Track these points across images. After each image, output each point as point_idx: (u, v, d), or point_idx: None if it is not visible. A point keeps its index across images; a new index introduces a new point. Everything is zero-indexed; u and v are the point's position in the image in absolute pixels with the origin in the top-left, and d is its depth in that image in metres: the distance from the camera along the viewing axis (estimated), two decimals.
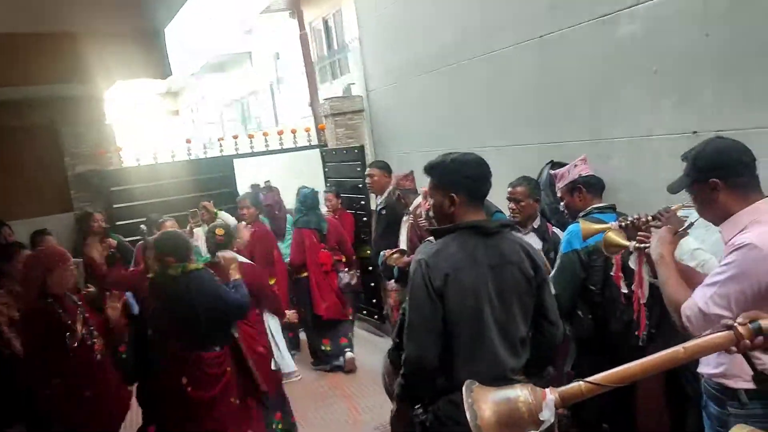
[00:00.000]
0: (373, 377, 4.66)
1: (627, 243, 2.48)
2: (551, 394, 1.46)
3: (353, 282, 6.04)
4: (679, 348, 1.40)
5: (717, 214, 2.10)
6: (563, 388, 1.48)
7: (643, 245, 2.38)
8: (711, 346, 1.43)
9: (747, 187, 2.03)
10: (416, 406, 2.39)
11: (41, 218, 6.61)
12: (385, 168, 5.66)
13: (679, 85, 3.25)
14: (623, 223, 2.67)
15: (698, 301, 1.99)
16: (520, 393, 1.49)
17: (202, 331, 3.30)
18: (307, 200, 5.91)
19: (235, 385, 3.49)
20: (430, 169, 2.33)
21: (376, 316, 6.94)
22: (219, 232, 4.17)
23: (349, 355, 5.92)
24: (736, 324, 1.40)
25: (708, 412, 2.22)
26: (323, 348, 5.91)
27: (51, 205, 7.03)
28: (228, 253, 3.86)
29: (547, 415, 1.45)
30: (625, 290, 3.04)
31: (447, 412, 2.21)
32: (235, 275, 3.58)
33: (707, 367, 2.18)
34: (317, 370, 5.96)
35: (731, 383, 2.00)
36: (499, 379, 2.21)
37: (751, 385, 1.81)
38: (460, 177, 2.25)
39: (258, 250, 5.36)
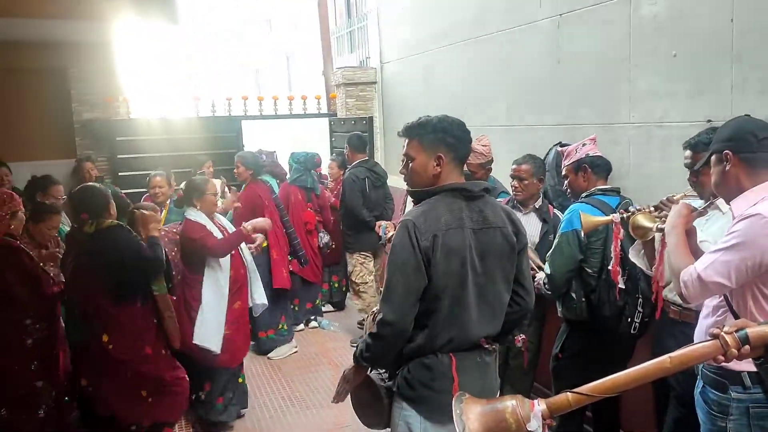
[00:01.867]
0: None
1: (652, 224, 2.44)
2: (539, 405, 1.49)
3: (332, 244, 6.25)
4: (665, 358, 1.42)
5: (729, 190, 2.05)
6: (550, 399, 1.52)
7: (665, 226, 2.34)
8: (698, 355, 1.44)
9: (760, 163, 1.98)
10: (381, 370, 2.36)
11: (44, 162, 6.59)
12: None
13: (697, 71, 3.16)
14: (624, 215, 2.63)
15: (698, 267, 1.95)
16: (509, 404, 1.52)
17: (115, 288, 3.25)
18: (306, 162, 5.99)
19: (154, 341, 3.45)
20: (416, 127, 2.24)
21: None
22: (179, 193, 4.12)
23: (312, 324, 6.15)
24: (722, 333, 1.41)
25: (705, 397, 2.15)
26: (292, 307, 5.96)
27: (55, 150, 7.02)
28: (147, 209, 3.71)
29: (535, 426, 1.47)
30: (621, 285, 3.00)
31: (418, 375, 2.16)
32: (153, 233, 3.47)
33: None
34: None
35: (734, 366, 1.94)
36: (473, 345, 2.20)
37: (753, 368, 1.77)
38: (448, 136, 2.19)
39: (245, 210, 5.27)
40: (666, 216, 2.35)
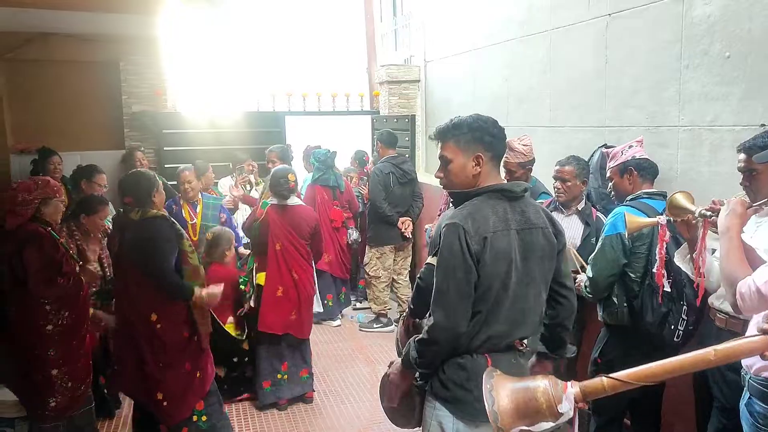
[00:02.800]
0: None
1: (693, 207, 2.37)
2: (572, 387, 1.45)
3: (360, 239, 6.44)
4: (710, 350, 1.35)
5: None
6: (585, 382, 1.47)
7: (709, 213, 2.27)
8: (744, 350, 1.38)
9: None
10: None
11: (94, 152, 6.80)
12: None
13: (751, 73, 3.06)
14: (671, 218, 2.56)
15: (757, 280, 1.84)
16: (540, 384, 1.49)
17: (157, 278, 3.28)
18: (327, 160, 6.06)
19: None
20: (451, 129, 2.20)
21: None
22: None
23: (335, 323, 6.27)
24: None
25: (752, 409, 2.08)
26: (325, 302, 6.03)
27: (105, 141, 7.22)
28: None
29: (566, 408, 1.44)
30: (667, 288, 2.92)
31: (453, 375, 2.14)
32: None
33: (755, 360, 2.03)
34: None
35: None
36: (508, 346, 2.18)
37: None
38: (486, 135, 2.16)
39: None
40: (712, 207, 2.27)
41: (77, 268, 3.50)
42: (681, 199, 2.43)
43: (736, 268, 1.96)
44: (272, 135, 7.50)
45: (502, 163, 2.46)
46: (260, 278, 4.38)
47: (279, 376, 4.46)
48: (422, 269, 2.36)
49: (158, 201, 3.43)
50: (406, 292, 6.23)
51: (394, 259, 6.16)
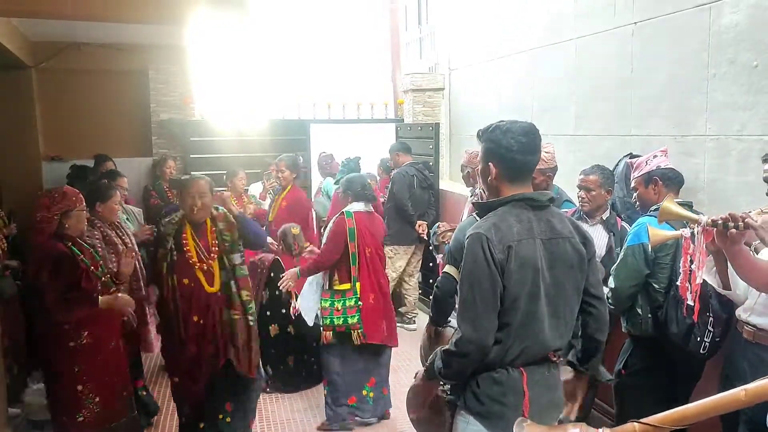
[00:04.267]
0: None
1: (695, 217, 2.32)
2: None
3: None
4: (740, 391, 1.34)
5: None
6: (616, 428, 1.46)
7: (729, 223, 2.21)
8: None
9: None
10: (443, 384, 2.33)
11: (122, 159, 6.93)
12: None
13: None
14: (694, 230, 2.53)
15: None
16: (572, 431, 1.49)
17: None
18: (350, 165, 6.21)
19: None
20: (479, 134, 2.22)
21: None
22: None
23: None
24: None
25: None
26: None
27: (133, 148, 7.36)
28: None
29: None
30: (690, 302, 2.88)
31: (487, 390, 2.11)
32: (235, 210, 3.82)
33: None
34: None
35: None
36: (543, 358, 2.16)
37: None
38: (498, 147, 2.12)
39: (284, 213, 5.36)
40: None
41: (98, 285, 3.45)
42: (672, 207, 2.37)
43: None
44: (297, 142, 7.57)
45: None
46: (359, 289, 4.21)
47: (365, 392, 4.30)
48: (439, 278, 2.35)
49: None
50: (414, 294, 6.40)
51: (409, 261, 6.26)
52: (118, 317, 3.61)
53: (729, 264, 2.45)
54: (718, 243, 2.32)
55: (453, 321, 2.60)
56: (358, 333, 4.10)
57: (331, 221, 4.35)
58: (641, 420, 1.40)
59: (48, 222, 3.32)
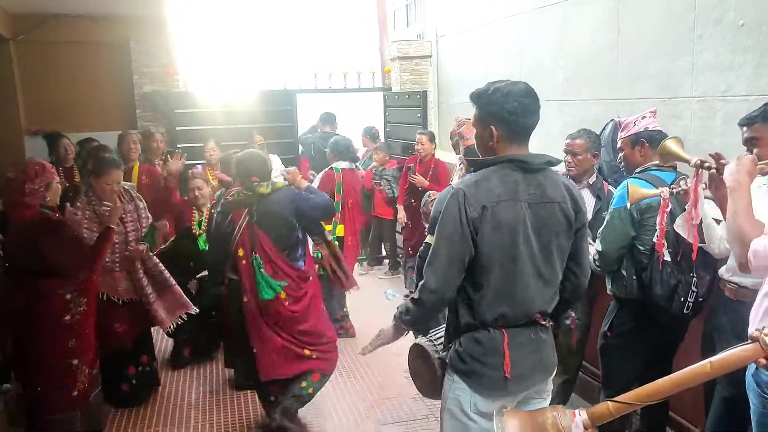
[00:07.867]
0: None
1: (687, 157, 2.34)
2: (580, 415, 1.51)
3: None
4: (706, 363, 1.43)
5: None
6: (591, 408, 1.53)
7: (707, 164, 2.25)
8: (738, 359, 1.43)
9: None
10: (435, 342, 2.37)
11: (106, 133, 6.80)
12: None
13: (765, 41, 3.00)
14: (675, 190, 2.53)
15: None
16: (549, 415, 1.56)
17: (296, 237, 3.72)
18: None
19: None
20: (475, 96, 2.18)
21: None
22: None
23: None
24: (762, 335, 1.39)
25: (758, 380, 2.06)
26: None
27: (117, 122, 7.21)
28: (291, 168, 4.20)
29: None
30: (667, 257, 2.89)
31: (469, 349, 2.15)
32: (304, 183, 3.94)
33: None
34: None
35: None
36: (528, 321, 2.17)
37: None
38: (501, 110, 2.09)
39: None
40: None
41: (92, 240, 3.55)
42: (672, 146, 2.39)
43: (748, 223, 1.93)
44: (284, 113, 7.50)
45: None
46: (339, 231, 5.21)
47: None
48: (421, 248, 2.36)
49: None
50: None
51: None
52: (98, 286, 3.68)
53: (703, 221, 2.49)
54: (709, 187, 2.36)
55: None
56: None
57: (319, 175, 5.41)
58: (615, 398, 1.47)
59: (35, 195, 3.33)
